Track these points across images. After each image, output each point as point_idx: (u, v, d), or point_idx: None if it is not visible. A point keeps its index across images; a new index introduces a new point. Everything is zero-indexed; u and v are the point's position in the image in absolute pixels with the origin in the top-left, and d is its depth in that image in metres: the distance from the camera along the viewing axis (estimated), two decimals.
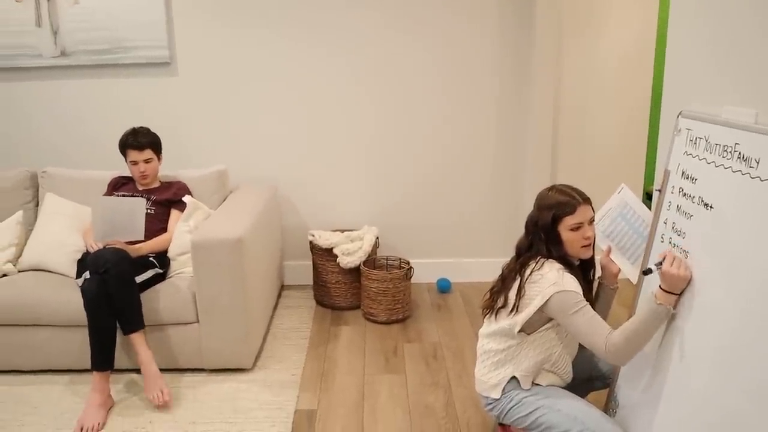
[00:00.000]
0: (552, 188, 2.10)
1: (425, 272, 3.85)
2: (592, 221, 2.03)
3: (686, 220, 1.94)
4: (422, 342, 3.20)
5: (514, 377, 2.07)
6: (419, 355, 3.06)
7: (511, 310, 2.03)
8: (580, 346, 2.19)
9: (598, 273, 2.21)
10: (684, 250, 1.92)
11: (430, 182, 3.84)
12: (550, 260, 2.02)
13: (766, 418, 1.45)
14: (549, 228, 2.02)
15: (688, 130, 2.01)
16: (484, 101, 3.72)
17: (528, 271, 2.01)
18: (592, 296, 2.16)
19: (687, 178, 1.98)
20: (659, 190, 2.16)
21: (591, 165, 3.83)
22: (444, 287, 3.81)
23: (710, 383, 1.67)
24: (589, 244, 2.02)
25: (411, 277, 3.46)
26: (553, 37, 3.55)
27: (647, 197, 4.23)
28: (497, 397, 2.08)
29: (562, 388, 2.13)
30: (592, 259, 2.12)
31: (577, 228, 1.99)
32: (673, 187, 2.06)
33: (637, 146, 3.83)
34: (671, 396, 1.86)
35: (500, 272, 2.17)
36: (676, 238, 1.99)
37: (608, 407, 2.25)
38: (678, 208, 2.01)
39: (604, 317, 2.18)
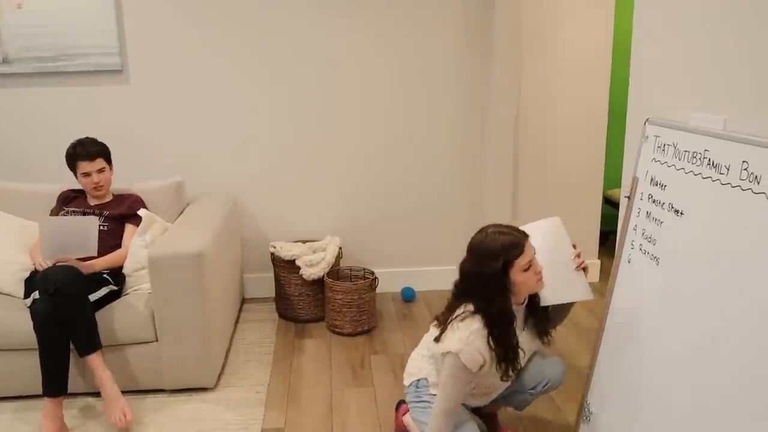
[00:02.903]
0: (485, 232, 1.95)
1: (389, 282, 3.80)
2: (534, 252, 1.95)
3: (656, 227, 1.94)
4: (389, 353, 3.15)
5: (427, 378, 2.14)
6: (387, 367, 3.01)
7: (435, 339, 2.02)
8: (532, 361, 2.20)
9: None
10: (655, 257, 1.92)
11: (391, 191, 3.80)
12: (476, 317, 1.92)
13: (736, 417, 1.45)
14: (499, 277, 1.88)
15: (656, 137, 2.02)
16: (444, 106, 3.70)
17: (453, 316, 1.97)
18: (545, 326, 2.14)
19: (656, 184, 1.98)
20: (628, 197, 2.17)
21: (552, 168, 3.85)
22: (408, 296, 3.77)
23: (680, 387, 1.66)
24: (541, 277, 1.95)
25: (376, 288, 3.41)
26: (513, 40, 3.55)
27: (606, 201, 4.28)
28: (407, 384, 2.18)
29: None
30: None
31: (528, 267, 1.90)
32: (642, 193, 2.07)
33: (596, 151, 3.87)
34: (643, 405, 1.85)
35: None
36: (646, 245, 1.99)
37: (580, 415, 2.24)
38: (648, 214, 2.01)
39: (560, 320, 2.22)
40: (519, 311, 2.05)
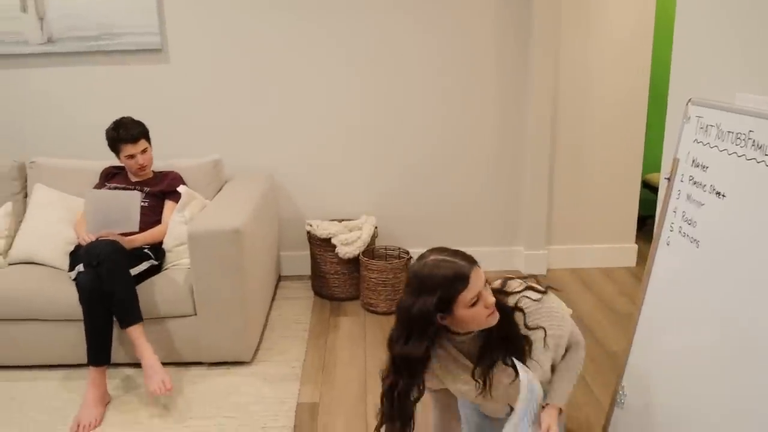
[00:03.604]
0: (423, 262, 1.63)
1: None
2: (486, 284, 1.64)
3: (697, 209, 1.91)
4: None
5: None
6: None
7: None
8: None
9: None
10: (695, 239, 1.90)
11: (428, 171, 3.80)
12: (390, 373, 1.70)
13: None
14: (429, 317, 1.58)
15: (699, 117, 1.98)
16: (483, 88, 3.67)
17: None
18: (522, 349, 1.74)
19: (697, 166, 1.95)
20: (668, 179, 2.13)
21: (590, 151, 3.81)
22: None
23: (717, 372, 1.64)
24: (493, 311, 1.63)
25: None
26: (552, 22, 3.50)
27: (644, 186, 4.21)
28: None
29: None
30: (504, 311, 1.70)
31: (476, 301, 1.59)
32: (683, 175, 2.03)
33: (636, 134, 3.80)
34: (679, 391, 1.84)
35: None
36: (686, 227, 1.96)
37: (614, 399, 2.24)
38: (688, 197, 1.98)
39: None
40: (465, 343, 1.76)
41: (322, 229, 3.47)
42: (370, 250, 3.52)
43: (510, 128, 3.74)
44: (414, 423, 1.73)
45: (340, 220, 3.64)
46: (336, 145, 3.74)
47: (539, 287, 1.81)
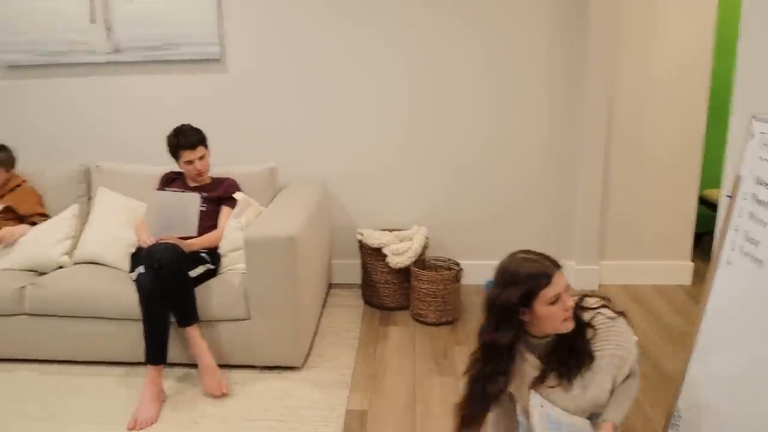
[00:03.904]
0: (514, 259, 1.76)
1: (474, 274, 3.80)
2: (567, 289, 1.72)
3: (761, 228, 1.87)
4: (472, 345, 3.14)
5: None
6: None
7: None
8: None
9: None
10: (757, 259, 1.85)
11: (479, 183, 3.80)
12: (478, 359, 1.80)
13: None
14: (514, 309, 1.69)
15: (763, 134, 1.94)
16: (536, 100, 3.66)
17: None
18: (587, 363, 1.76)
19: (761, 184, 1.91)
20: (729, 196, 2.09)
21: (646, 165, 3.75)
22: None
23: None
24: (570, 316, 1.71)
25: (461, 279, 3.43)
26: (610, 33, 3.47)
27: (701, 202, 4.12)
28: None
29: None
30: (578, 322, 1.77)
31: (556, 300, 1.68)
32: (746, 193, 1.99)
33: (694, 150, 3.72)
34: (737, 413, 1.79)
35: None
36: (748, 247, 1.92)
37: (669, 421, 2.19)
38: (751, 215, 1.93)
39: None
40: (539, 347, 1.82)
41: (374, 238, 3.50)
42: (420, 261, 3.54)
43: (562, 141, 3.72)
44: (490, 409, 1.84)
45: (391, 230, 3.67)
46: (388, 155, 3.78)
47: (614, 309, 1.83)
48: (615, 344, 1.76)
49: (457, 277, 3.38)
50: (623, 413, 1.82)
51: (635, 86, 3.64)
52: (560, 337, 1.75)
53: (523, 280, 1.68)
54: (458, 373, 2.89)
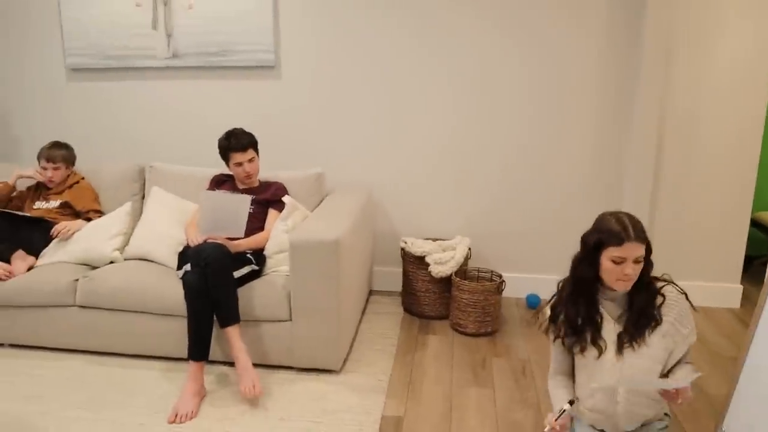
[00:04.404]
0: (614, 213, 2.00)
1: (516, 287, 3.78)
2: (638, 261, 1.90)
3: None
4: (511, 357, 3.14)
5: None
6: (508, 371, 3.01)
7: None
8: None
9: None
10: None
11: (523, 193, 3.78)
12: (565, 281, 2.07)
13: None
14: (591, 250, 1.97)
15: None
16: (585, 119, 3.63)
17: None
18: (653, 326, 1.96)
19: None
20: None
21: (696, 184, 3.67)
22: (534, 303, 3.74)
23: None
24: (626, 280, 1.90)
25: (502, 291, 3.41)
26: (662, 49, 3.42)
27: (753, 224, 4.01)
28: None
29: None
30: (651, 288, 1.98)
31: (619, 261, 1.89)
32: None
33: (747, 169, 3.63)
34: None
35: None
36: None
37: None
38: None
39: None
40: (617, 304, 2.01)
41: (417, 246, 3.52)
42: (462, 271, 3.53)
43: (609, 154, 3.67)
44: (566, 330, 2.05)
45: (434, 239, 3.68)
46: (433, 163, 3.79)
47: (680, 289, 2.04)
48: (677, 316, 1.95)
49: (498, 289, 3.36)
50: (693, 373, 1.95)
51: (688, 101, 3.57)
52: (633, 299, 1.97)
53: (602, 231, 1.94)
54: (495, 385, 2.87)
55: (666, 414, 2.09)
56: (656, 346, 1.95)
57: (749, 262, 4.05)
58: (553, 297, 2.10)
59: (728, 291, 3.80)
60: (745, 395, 2.03)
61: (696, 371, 1.89)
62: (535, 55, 3.59)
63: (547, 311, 2.10)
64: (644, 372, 1.94)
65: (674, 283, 2.02)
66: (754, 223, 4.07)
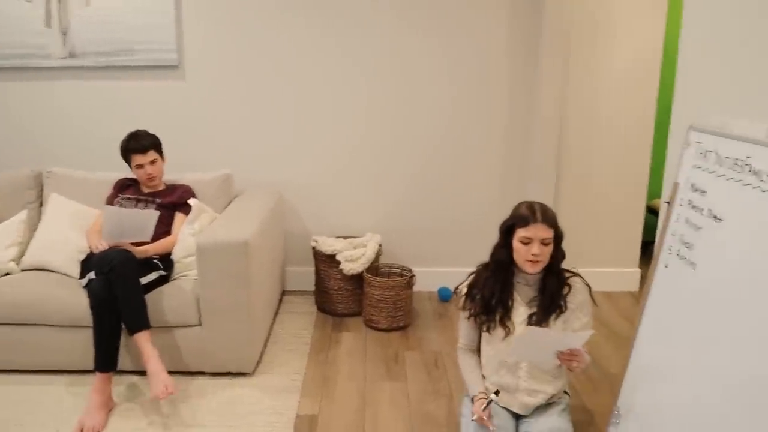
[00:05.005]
0: (528, 201, 2.18)
1: (427, 281, 3.85)
2: (546, 243, 2.08)
3: (694, 232, 1.95)
4: (423, 350, 3.20)
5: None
6: (420, 363, 3.06)
7: None
8: None
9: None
10: (691, 262, 1.93)
11: (433, 190, 3.85)
12: (484, 265, 2.24)
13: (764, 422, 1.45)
14: (504, 234, 2.16)
15: (698, 143, 2.03)
16: (490, 109, 3.74)
17: None
18: (558, 312, 2.15)
19: (696, 190, 1.99)
20: (668, 203, 2.17)
21: (595, 176, 3.86)
22: (445, 296, 3.82)
23: (712, 395, 1.67)
24: (535, 261, 2.08)
25: (413, 285, 3.47)
26: (561, 47, 3.57)
27: (650, 211, 4.24)
28: None
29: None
30: (559, 276, 2.18)
31: (526, 242, 2.07)
32: (682, 199, 2.07)
33: (641, 160, 3.85)
34: (673, 412, 1.86)
35: None
36: (683, 250, 2.00)
37: (610, 419, 2.25)
38: (686, 220, 2.01)
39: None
40: (531, 289, 2.18)
41: (327, 245, 3.52)
42: (373, 268, 3.57)
43: (515, 151, 3.80)
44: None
45: (345, 237, 3.69)
46: (343, 162, 3.81)
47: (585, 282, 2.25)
48: (579, 304, 2.18)
49: (409, 284, 3.42)
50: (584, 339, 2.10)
51: (585, 99, 3.75)
52: (545, 284, 2.15)
53: (514, 216, 2.13)
54: (408, 378, 2.92)
55: (566, 392, 2.25)
56: (557, 330, 2.13)
57: (646, 247, 4.28)
58: (470, 275, 2.26)
59: (628, 275, 4.02)
60: (635, 369, 2.16)
61: (589, 333, 2.04)
62: (443, 53, 3.66)
63: (464, 289, 2.25)
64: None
65: (581, 276, 2.23)
66: (650, 210, 4.31)
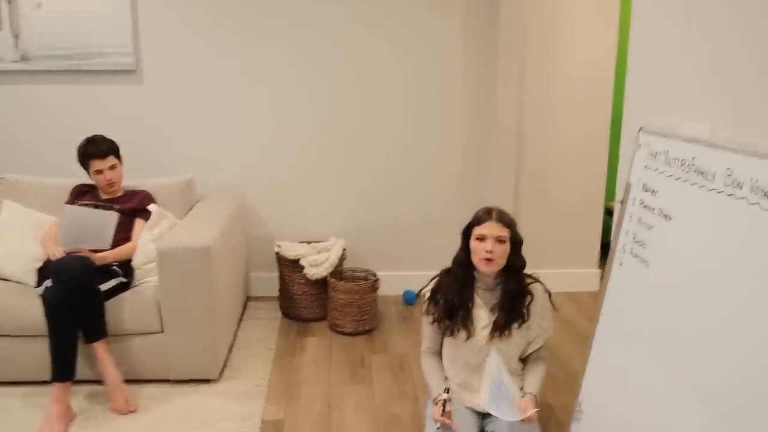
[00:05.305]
0: (486, 207, 2.28)
1: (391, 284, 3.86)
2: (501, 241, 2.15)
3: (646, 231, 2.00)
4: (389, 353, 3.22)
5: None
6: (386, 367, 3.07)
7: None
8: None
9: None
10: (644, 260, 1.99)
11: (395, 196, 3.88)
12: (446, 270, 2.29)
13: (726, 422, 1.50)
14: (463, 237, 2.24)
15: (649, 144, 2.09)
16: (449, 118, 3.78)
17: None
18: (512, 315, 2.21)
19: (647, 190, 2.05)
20: (621, 202, 2.23)
21: (554, 179, 3.93)
22: (410, 299, 3.84)
23: (669, 388, 1.72)
24: (488, 259, 2.13)
25: (377, 289, 3.48)
26: (518, 48, 3.63)
27: (608, 213, 4.33)
28: None
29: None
30: (521, 282, 2.23)
31: (481, 239, 2.14)
32: (635, 199, 2.13)
33: (598, 163, 3.93)
34: (632, 407, 1.91)
35: None
36: (637, 248, 2.05)
37: (572, 415, 2.30)
38: (639, 219, 2.07)
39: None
40: (492, 295, 2.23)
41: (291, 250, 3.51)
42: (338, 272, 3.57)
43: (474, 154, 3.85)
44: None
45: (309, 242, 3.69)
46: (304, 166, 3.81)
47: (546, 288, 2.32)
48: (540, 310, 2.25)
49: (373, 287, 3.43)
50: (540, 385, 2.24)
51: (542, 103, 3.82)
52: (505, 289, 2.20)
53: (472, 218, 2.21)
54: (374, 381, 2.93)
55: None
56: (519, 335, 2.23)
57: (605, 247, 4.37)
58: (433, 279, 2.31)
59: (588, 275, 4.09)
60: (594, 366, 2.21)
61: (536, 400, 2.15)
62: (400, 57, 3.69)
63: (427, 293, 2.29)
64: (506, 356, 2.19)
65: (541, 282, 2.30)
66: (608, 212, 4.40)
